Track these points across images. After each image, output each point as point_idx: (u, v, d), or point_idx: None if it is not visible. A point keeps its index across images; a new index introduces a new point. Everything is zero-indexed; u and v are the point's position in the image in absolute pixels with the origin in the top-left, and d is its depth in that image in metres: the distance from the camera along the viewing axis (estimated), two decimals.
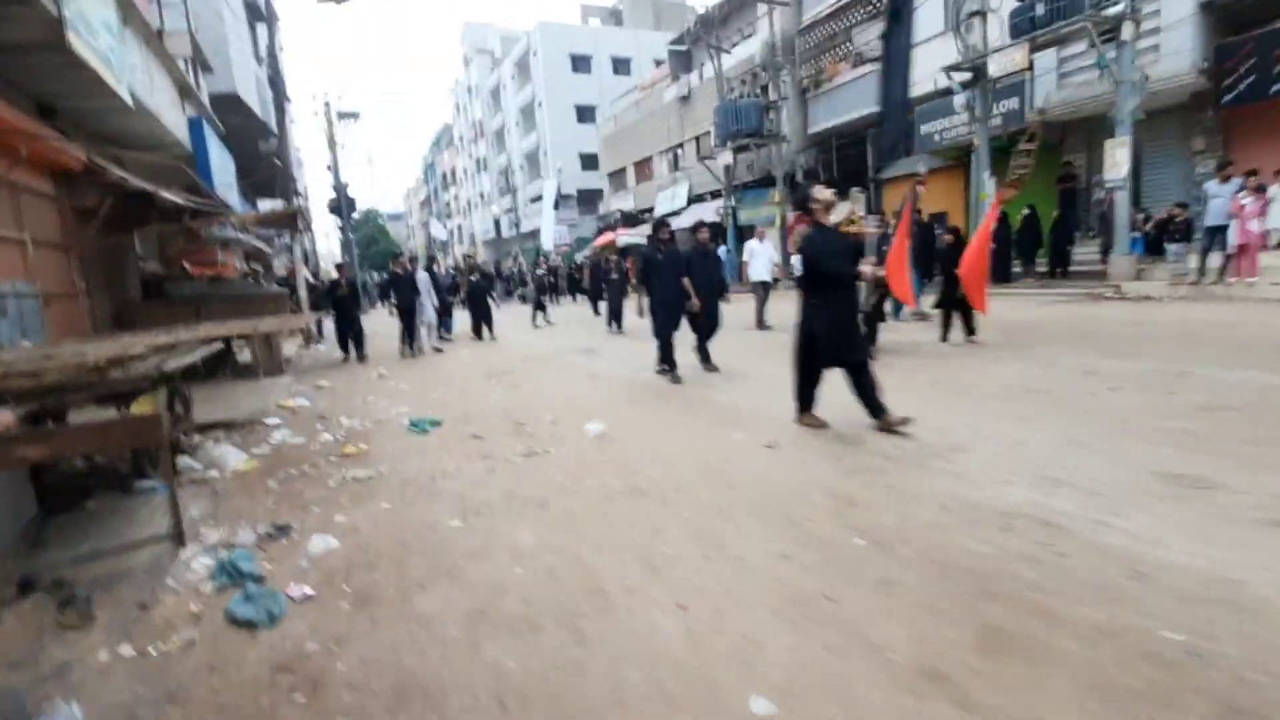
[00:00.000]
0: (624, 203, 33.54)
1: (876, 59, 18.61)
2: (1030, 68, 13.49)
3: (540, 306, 15.63)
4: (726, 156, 20.83)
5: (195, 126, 10.90)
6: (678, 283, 6.92)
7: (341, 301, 10.92)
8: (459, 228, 68.29)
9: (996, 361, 6.49)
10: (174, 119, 9.97)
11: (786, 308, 10.60)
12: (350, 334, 10.96)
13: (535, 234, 46.48)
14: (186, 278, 10.91)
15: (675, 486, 3.71)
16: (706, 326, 7.32)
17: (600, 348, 10.36)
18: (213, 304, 9.20)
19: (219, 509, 3.89)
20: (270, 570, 3.01)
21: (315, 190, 47.83)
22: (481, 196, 59.91)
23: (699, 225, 7.91)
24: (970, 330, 7.88)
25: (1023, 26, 12.79)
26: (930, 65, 17.41)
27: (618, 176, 35.54)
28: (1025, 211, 14.15)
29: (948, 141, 17.17)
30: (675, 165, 29.73)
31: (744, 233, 23.02)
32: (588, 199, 44.76)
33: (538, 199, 46.53)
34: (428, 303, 11.25)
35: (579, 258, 34.04)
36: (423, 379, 8.53)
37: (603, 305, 15.58)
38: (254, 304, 9.41)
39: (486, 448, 4.86)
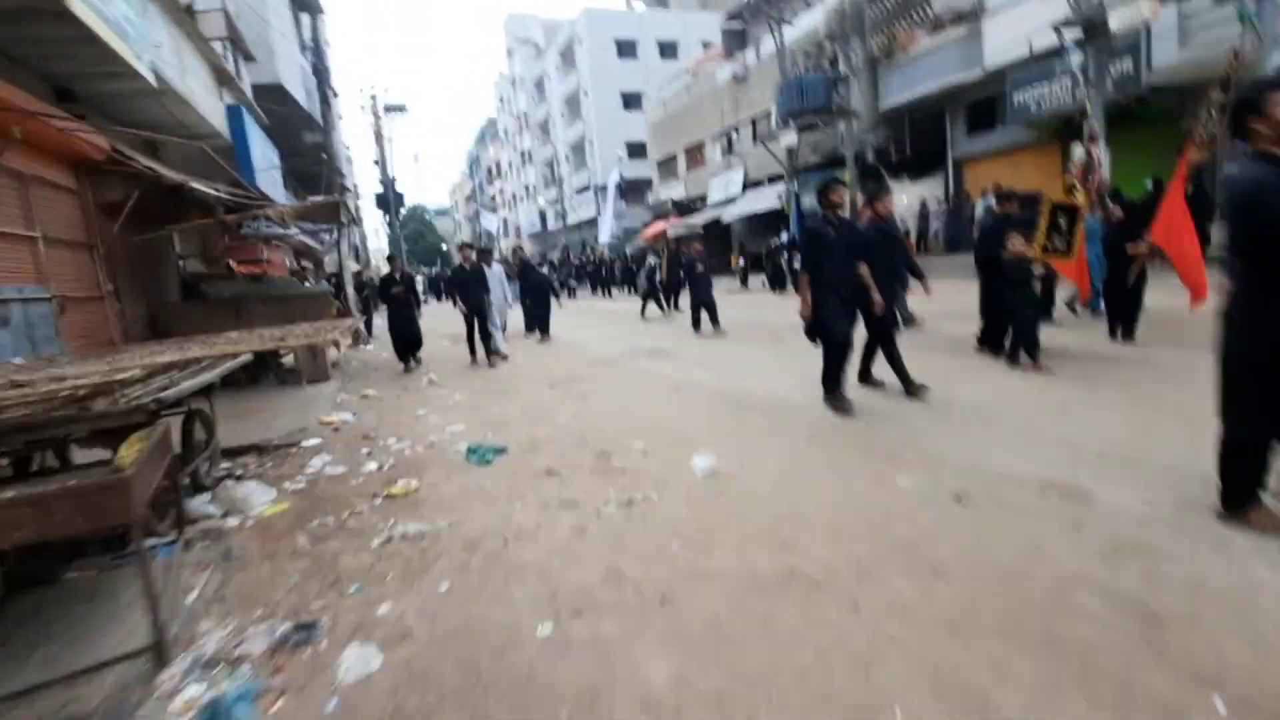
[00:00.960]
0: (674, 191, 32.29)
1: (964, 19, 16.90)
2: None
3: (654, 296, 14.61)
4: (790, 137, 19.37)
5: (234, 115, 10.22)
6: (854, 270, 5.01)
7: (396, 300, 9.43)
8: (504, 221, 68.12)
9: (1194, 370, 5.12)
10: (209, 105, 9.27)
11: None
12: (406, 338, 9.41)
13: (581, 226, 45.63)
14: (228, 277, 10.26)
15: (855, 571, 2.58)
16: (878, 331, 5.44)
17: (672, 349, 9.26)
18: (252, 305, 8.47)
19: (228, 584, 2.94)
20: (281, 713, 2.01)
21: (364, 187, 47.90)
22: (526, 189, 59.47)
23: (873, 188, 6.55)
24: (1131, 330, 6.49)
25: None
26: (1021, 26, 15.66)
27: (667, 164, 34.28)
28: (1149, 186, 12.38)
29: (1047, 111, 15.37)
30: (729, 149, 28.32)
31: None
32: (635, 189, 43.52)
33: (584, 190, 45.67)
34: (501, 302, 9.71)
35: (630, 248, 33.00)
36: (478, 388, 7.59)
37: (642, 304, 14.47)
38: (296, 304, 8.65)
39: (568, 491, 3.81)
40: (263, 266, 11.97)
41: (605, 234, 32.42)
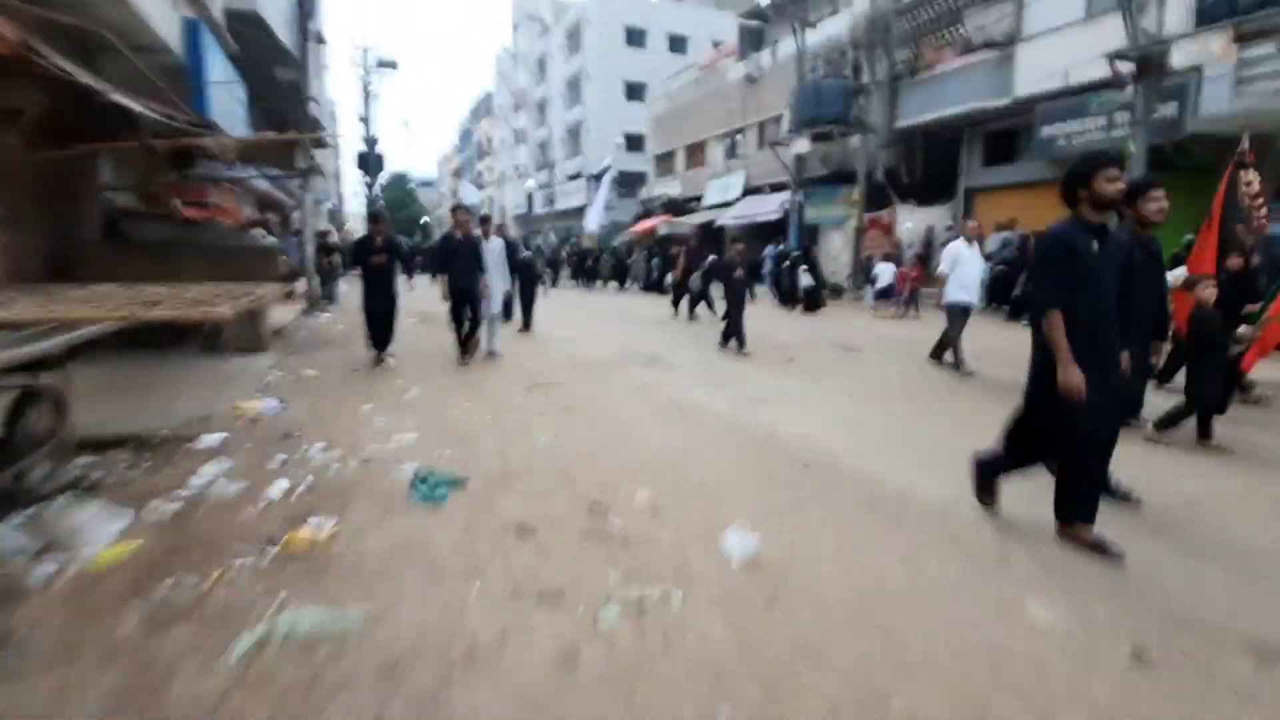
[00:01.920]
0: (670, 189, 31.17)
1: (997, 45, 16.12)
2: (1216, 61, 10.95)
3: (705, 299, 12.92)
4: (801, 145, 18.42)
5: (192, 30, 8.75)
6: (1126, 306, 3.15)
7: (375, 270, 7.17)
8: (490, 200, 66.22)
9: None
10: (160, 12, 7.82)
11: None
12: (380, 319, 7.27)
13: (569, 212, 44.21)
14: (169, 219, 8.80)
15: None
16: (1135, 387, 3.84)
17: (669, 358, 8.12)
18: (183, 254, 7.09)
19: None
20: None
21: (348, 149, 45.67)
22: (516, 170, 57.74)
23: (1138, 184, 3.67)
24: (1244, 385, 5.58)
25: (1217, 10, 10.35)
26: (1058, 58, 14.94)
27: (665, 160, 33.15)
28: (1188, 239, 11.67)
29: (1075, 148, 14.64)
30: (732, 152, 27.31)
31: (810, 232, 20.65)
32: (628, 182, 42.27)
33: (575, 176, 44.29)
34: (498, 287, 7.68)
35: (615, 241, 31.79)
36: (441, 383, 6.36)
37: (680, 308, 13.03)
38: (236, 258, 7.29)
39: (549, 569, 2.66)
40: (209, 211, 10.49)
41: (594, 223, 31.08)
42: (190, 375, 5.84)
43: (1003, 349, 8.58)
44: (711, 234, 25.16)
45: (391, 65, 26.33)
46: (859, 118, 17.68)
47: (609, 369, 7.31)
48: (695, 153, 30.28)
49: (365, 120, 27.21)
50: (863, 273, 17.23)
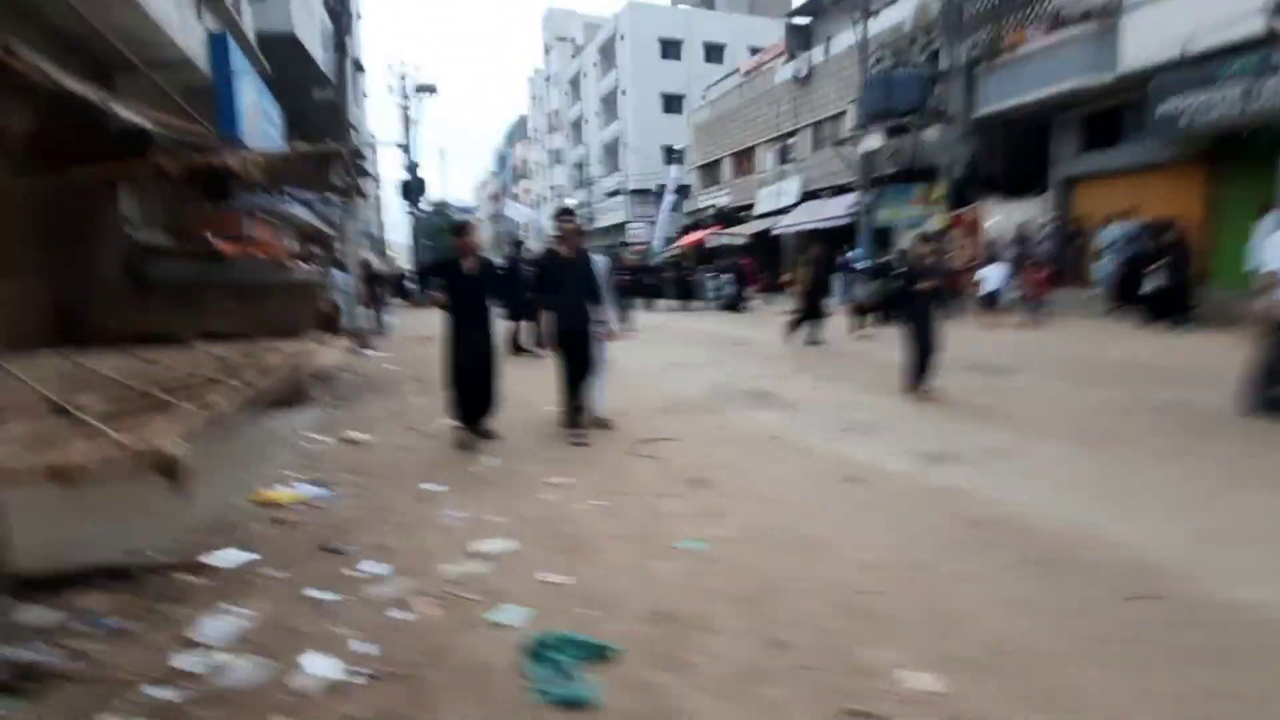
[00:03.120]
0: (717, 199, 29.85)
1: (1094, 16, 14.38)
2: None
3: (880, 312, 11.53)
4: (873, 141, 16.89)
5: (218, 44, 7.86)
6: None
7: (464, 303, 4.98)
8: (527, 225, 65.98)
9: None
10: (180, 22, 6.89)
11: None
12: (475, 374, 4.99)
13: (610, 230, 43.28)
14: (195, 256, 7.83)
15: None
16: None
17: (776, 391, 6.70)
18: (210, 295, 6.03)
19: None
20: None
21: (388, 178, 46.12)
22: (553, 190, 57.36)
23: None
24: None
25: None
26: (1171, 25, 13.15)
27: (710, 170, 31.87)
28: None
29: (1200, 125, 12.78)
30: (783, 157, 25.87)
31: (880, 236, 19.00)
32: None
33: (614, 193, 43.42)
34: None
35: (659, 258, 30.55)
36: (515, 441, 5.07)
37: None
38: (271, 297, 6.20)
39: None
40: (244, 246, 9.56)
41: (659, 238, 29.93)
42: (207, 444, 4.67)
43: (1198, 362, 6.92)
44: (767, 243, 23.74)
45: (431, 89, 25.81)
46: (939, 107, 16.05)
47: (717, 412, 5.93)
48: (743, 160, 28.93)
49: (406, 147, 26.73)
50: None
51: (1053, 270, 12.50)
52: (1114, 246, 14.04)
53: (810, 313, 10.65)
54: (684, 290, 20.80)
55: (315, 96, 11.47)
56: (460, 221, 5.24)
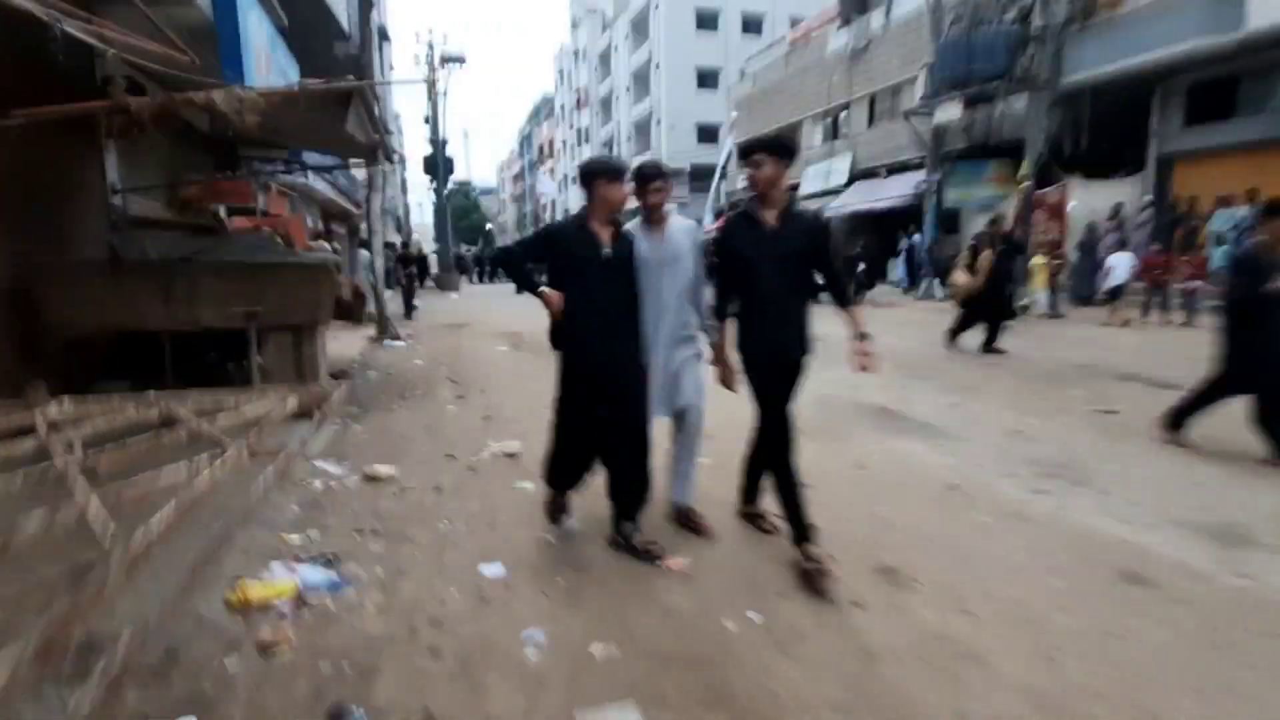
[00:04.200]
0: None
1: None
2: None
3: (1000, 315, 8.04)
4: (950, 111, 15.19)
5: None
6: None
7: (600, 291, 2.78)
8: (552, 203, 64.68)
9: None
10: None
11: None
12: (613, 437, 2.87)
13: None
14: (197, 230, 6.61)
15: None
16: None
17: (906, 410, 5.30)
18: (198, 277, 4.79)
19: None
20: None
21: (413, 158, 44.80)
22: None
23: None
24: None
25: None
26: None
27: None
28: None
29: None
30: (833, 133, 24.12)
31: (948, 219, 17.34)
32: (701, 176, 39.55)
33: None
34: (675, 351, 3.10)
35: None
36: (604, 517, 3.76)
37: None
38: (276, 280, 4.95)
39: None
40: (256, 221, 8.37)
41: (710, 216, 28.40)
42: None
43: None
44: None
45: (459, 60, 24.42)
46: (1029, 72, 14.30)
47: (842, 438, 4.56)
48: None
49: (433, 121, 25.44)
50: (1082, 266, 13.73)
51: (1170, 258, 10.80)
52: (1232, 233, 12.32)
53: (994, 311, 7.84)
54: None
55: (338, 54, 10.16)
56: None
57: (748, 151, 2.73)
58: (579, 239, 2.76)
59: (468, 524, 3.21)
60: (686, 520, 3.11)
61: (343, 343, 8.55)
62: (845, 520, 3.11)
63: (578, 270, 2.75)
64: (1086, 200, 15.61)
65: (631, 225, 2.94)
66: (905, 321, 11.50)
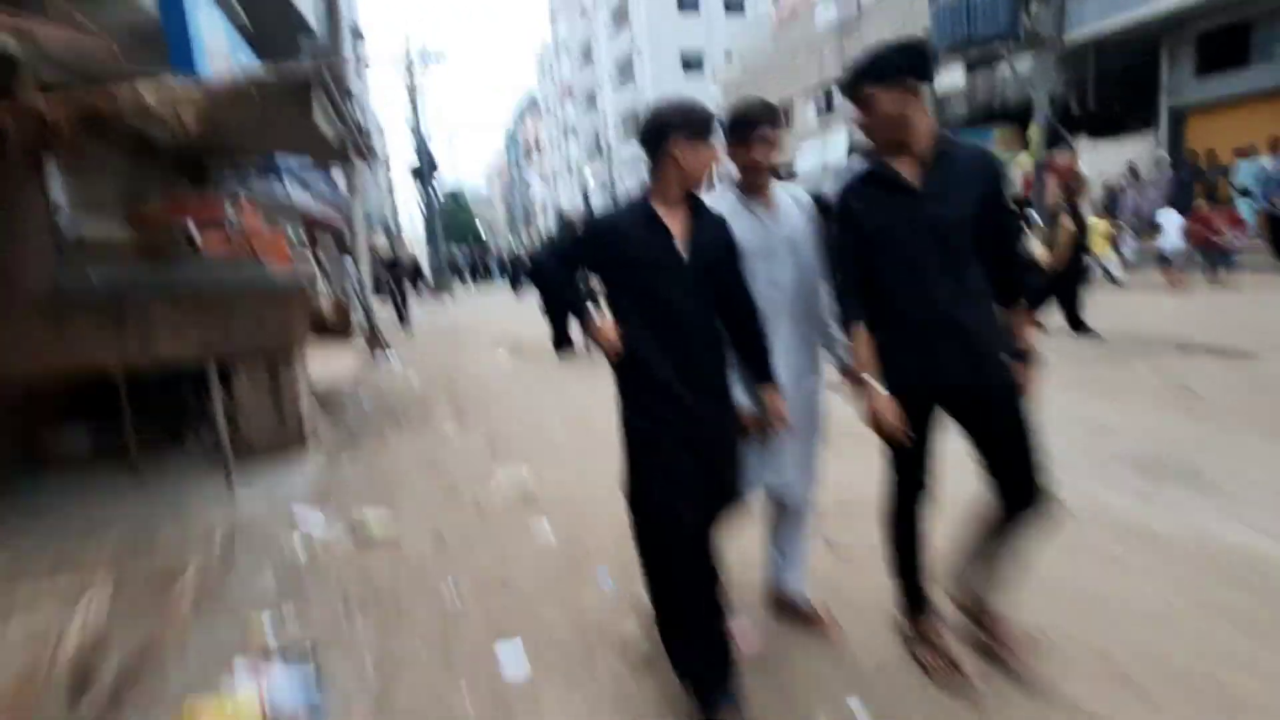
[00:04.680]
0: None
1: None
2: None
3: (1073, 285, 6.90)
4: (951, 76, 14.56)
5: None
6: None
7: (674, 305, 1.80)
8: (542, 200, 63.86)
9: None
10: None
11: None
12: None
13: None
14: (155, 252, 6.00)
15: None
16: None
17: (1189, 455, 4.68)
18: (151, 308, 4.21)
19: None
20: None
21: (397, 161, 44.32)
22: (568, 167, 55.06)
23: None
24: None
25: None
26: None
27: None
28: None
29: None
30: (827, 108, 23.47)
31: None
32: None
33: (634, 161, 41.14)
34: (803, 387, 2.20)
35: None
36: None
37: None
38: (239, 306, 4.37)
39: None
40: (229, 238, 7.76)
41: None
42: (121, 559, 2.87)
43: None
44: (821, 206, 21.46)
45: (438, 57, 23.68)
46: (1033, 31, 13.66)
47: (1108, 513, 4.00)
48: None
49: (415, 121, 24.75)
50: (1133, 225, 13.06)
51: (1216, 217, 10.20)
52: (1260, 185, 11.75)
53: (1066, 283, 6.69)
54: None
55: (304, 47, 9.52)
56: (692, 111, 1.76)
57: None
58: (641, 234, 1.77)
59: (476, 586, 2.65)
60: (796, 611, 2.23)
61: (332, 360, 7.98)
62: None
63: (643, 282, 1.77)
64: (1095, 161, 15.01)
65: (717, 198, 1.95)
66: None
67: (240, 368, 4.46)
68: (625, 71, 42.38)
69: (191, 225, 8.31)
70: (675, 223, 1.79)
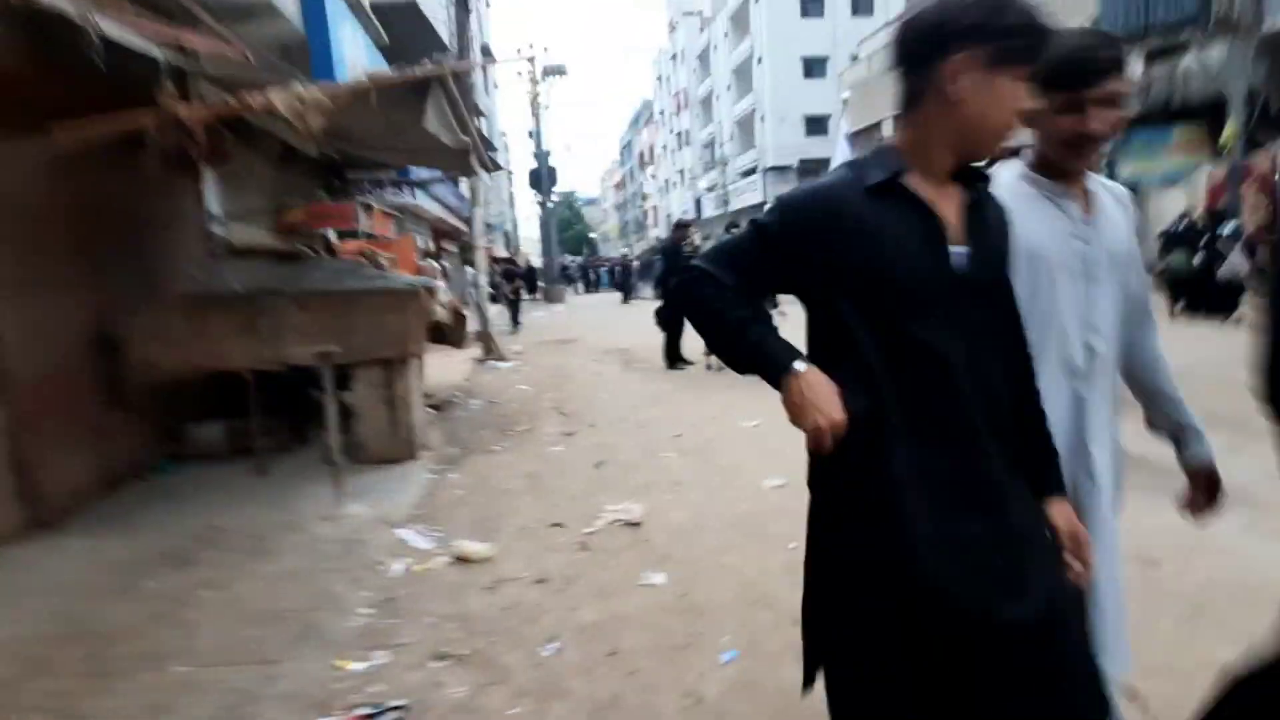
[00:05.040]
0: None
1: None
2: None
3: None
4: (1129, 68, 12.80)
5: None
6: None
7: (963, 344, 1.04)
8: (654, 209, 64.39)
9: None
10: None
11: None
12: None
13: (744, 211, 40.38)
14: (296, 257, 6.29)
15: None
16: None
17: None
18: (280, 309, 4.29)
19: None
20: None
21: (519, 171, 46.32)
22: (681, 174, 55.15)
23: None
24: None
25: None
26: None
27: (864, 136, 27.93)
28: None
29: None
30: None
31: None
32: (811, 171, 37.55)
33: (750, 172, 40.39)
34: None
35: None
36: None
37: None
38: (363, 308, 4.37)
39: None
40: (361, 244, 8.10)
41: None
42: (232, 576, 2.78)
43: None
44: None
45: (560, 71, 24.34)
46: (1225, 15, 11.80)
47: None
48: None
49: (536, 135, 25.55)
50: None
51: None
52: None
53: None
54: None
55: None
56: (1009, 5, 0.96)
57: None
58: (893, 226, 1.01)
59: (580, 647, 2.31)
60: None
61: (446, 365, 8.10)
62: (1174, 674, 1.90)
63: (893, 309, 1.01)
64: None
65: (1004, 181, 1.27)
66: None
67: (358, 373, 4.45)
68: (743, 78, 41.77)
69: (330, 233, 8.77)
70: (946, 206, 1.04)
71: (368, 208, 8.54)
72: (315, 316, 4.28)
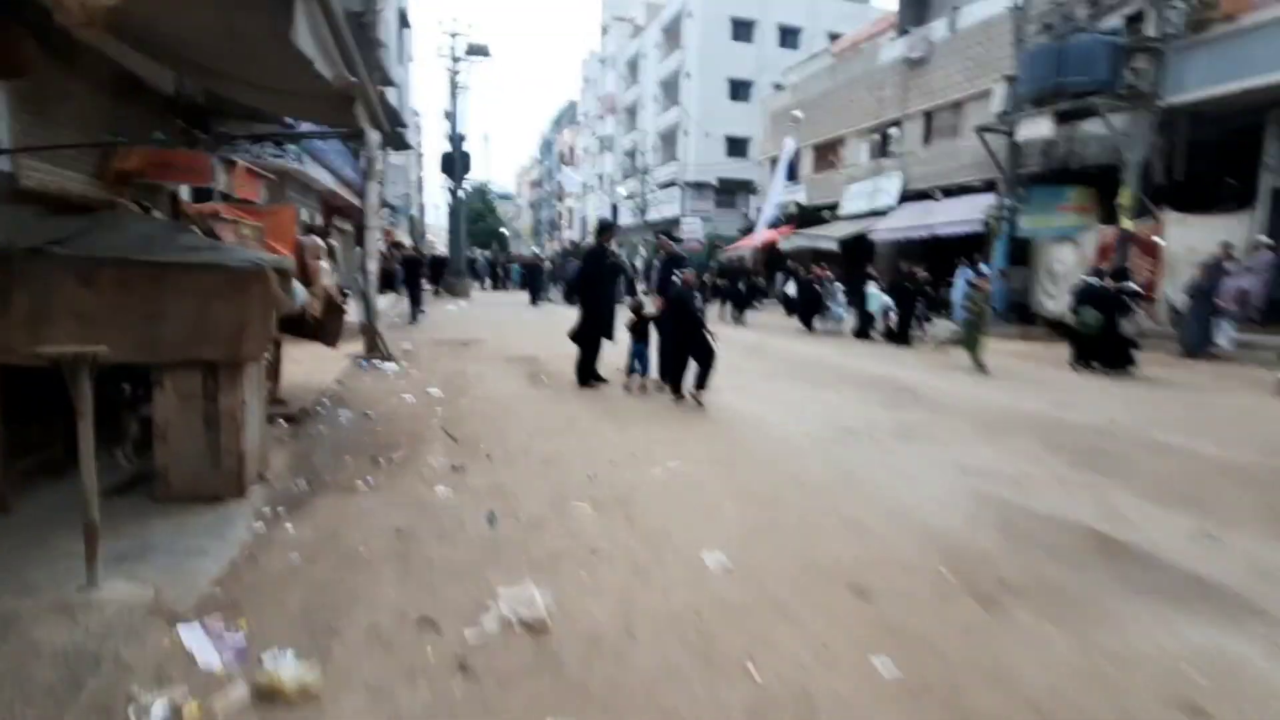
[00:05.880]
0: (792, 195, 26.41)
1: None
2: None
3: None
4: (1038, 127, 13.37)
5: None
6: None
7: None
8: (570, 211, 63.11)
9: None
10: None
11: None
12: None
13: (661, 224, 40.03)
14: (85, 209, 4.81)
15: None
16: None
17: (1234, 583, 3.42)
18: (51, 278, 3.01)
19: None
20: None
21: (430, 155, 43.84)
22: (600, 179, 54.33)
23: None
24: None
25: None
26: None
27: (821, 155, 28.05)
28: None
29: None
30: (882, 150, 22.36)
31: (1019, 248, 15.39)
32: (729, 190, 37.92)
33: (669, 184, 40.23)
34: None
35: (718, 260, 27.29)
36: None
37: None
38: (172, 289, 3.15)
39: None
40: (220, 205, 6.62)
41: (765, 221, 26.40)
42: None
43: None
44: (863, 250, 20.24)
45: (483, 52, 22.87)
46: (1135, 86, 12.48)
47: (1085, 609, 2.70)
48: (825, 153, 25.40)
49: (452, 117, 23.87)
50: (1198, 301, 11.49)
51: None
52: None
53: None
54: (746, 300, 17.38)
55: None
56: None
57: None
58: None
59: None
60: None
61: (315, 363, 6.77)
62: None
63: None
64: (1182, 237, 13.75)
65: None
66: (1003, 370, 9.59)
67: (165, 379, 3.23)
68: (670, 91, 41.68)
69: (183, 190, 7.17)
70: None
71: (230, 164, 7.03)
72: (102, 295, 3.03)
